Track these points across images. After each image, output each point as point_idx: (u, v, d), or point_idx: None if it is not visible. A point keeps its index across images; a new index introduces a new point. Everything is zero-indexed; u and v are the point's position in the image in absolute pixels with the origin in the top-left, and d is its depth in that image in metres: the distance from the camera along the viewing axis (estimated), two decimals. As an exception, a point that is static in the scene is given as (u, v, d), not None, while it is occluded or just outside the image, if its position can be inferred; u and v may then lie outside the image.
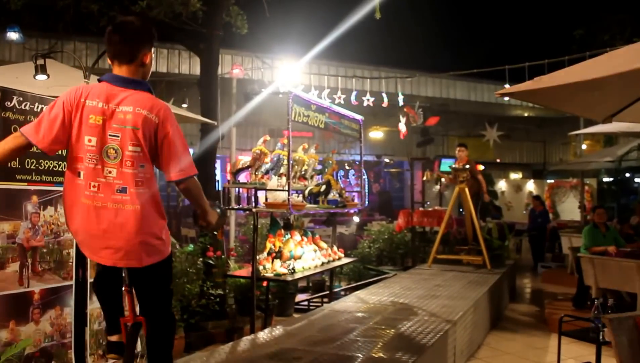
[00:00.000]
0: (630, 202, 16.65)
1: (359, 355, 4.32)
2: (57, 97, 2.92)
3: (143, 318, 3.06)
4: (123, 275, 3.07)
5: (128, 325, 3.11)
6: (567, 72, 4.15)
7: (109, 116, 2.78)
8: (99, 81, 2.91)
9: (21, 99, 4.05)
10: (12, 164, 3.91)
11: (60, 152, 3.13)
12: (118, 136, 2.77)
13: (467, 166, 9.40)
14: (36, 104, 4.09)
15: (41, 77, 4.91)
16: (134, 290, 3.10)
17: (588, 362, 4.68)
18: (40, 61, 4.90)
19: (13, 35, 7.29)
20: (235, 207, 7.01)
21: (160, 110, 2.84)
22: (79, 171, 2.79)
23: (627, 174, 17.98)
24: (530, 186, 22.38)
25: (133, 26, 2.91)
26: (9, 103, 3.98)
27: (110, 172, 2.77)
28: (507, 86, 9.50)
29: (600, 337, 4.26)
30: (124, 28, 2.90)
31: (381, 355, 4.34)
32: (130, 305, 3.08)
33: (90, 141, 2.77)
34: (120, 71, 2.90)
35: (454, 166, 9.64)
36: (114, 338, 3.17)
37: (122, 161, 2.78)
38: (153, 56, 3.04)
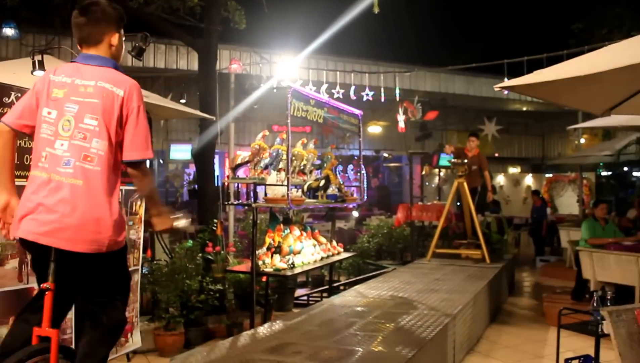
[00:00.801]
0: (628, 196, 16.68)
1: (359, 349, 4.32)
2: None
3: (55, 332, 2.65)
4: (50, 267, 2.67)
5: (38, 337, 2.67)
6: (566, 66, 4.16)
7: (71, 89, 2.73)
8: (72, 62, 2.90)
9: (19, 95, 4.04)
10: (9, 159, 3.90)
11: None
12: (75, 108, 2.70)
13: (465, 161, 9.39)
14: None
15: (39, 73, 4.89)
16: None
17: (587, 354, 4.69)
18: (37, 57, 4.90)
19: (9, 31, 7.27)
20: (235, 202, 7.02)
21: (126, 85, 2.75)
22: (37, 143, 2.73)
23: (625, 168, 17.99)
24: (529, 180, 22.41)
25: (98, 8, 2.85)
26: (6, 99, 3.97)
27: (62, 145, 2.67)
28: (505, 80, 9.48)
29: (599, 330, 4.27)
30: (89, 10, 2.84)
31: (381, 348, 4.34)
32: (49, 310, 2.64)
33: (50, 113, 2.72)
34: (89, 53, 2.88)
35: (453, 160, 9.63)
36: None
37: (73, 133, 2.67)
38: (123, 38, 2.98)
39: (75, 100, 2.70)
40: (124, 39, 2.98)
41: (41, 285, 2.67)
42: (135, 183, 2.81)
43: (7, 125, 2.79)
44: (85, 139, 2.65)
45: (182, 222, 3.05)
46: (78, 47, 2.89)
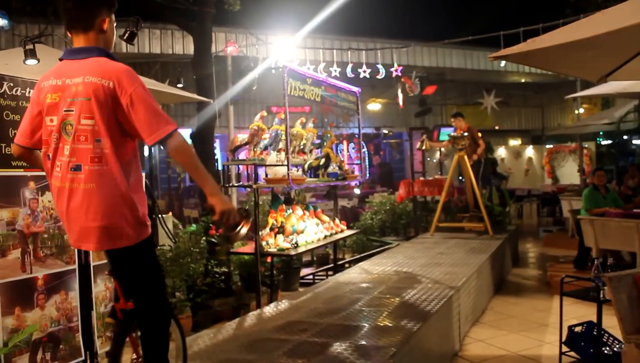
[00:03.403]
0: (629, 164, 16.66)
1: (365, 324, 4.36)
2: None
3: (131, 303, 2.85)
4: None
5: (120, 311, 2.91)
6: (560, 33, 4.13)
7: (64, 92, 2.61)
8: (60, 60, 2.78)
9: (12, 84, 4.02)
10: (7, 150, 3.91)
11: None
12: (73, 111, 2.58)
13: (466, 134, 9.39)
14: (27, 89, 4.07)
15: (31, 62, 4.86)
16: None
17: (590, 320, 4.73)
18: (29, 46, 4.86)
19: (0, 21, 7.21)
20: (236, 184, 7.03)
21: (114, 73, 2.57)
22: (48, 154, 2.69)
23: (625, 137, 17.97)
24: (530, 152, 22.40)
25: None
26: None
27: (67, 150, 2.60)
28: (502, 51, 9.40)
29: (601, 296, 4.30)
30: None
31: (386, 323, 4.38)
32: (119, 289, 2.89)
33: (52, 121, 2.64)
34: (78, 41, 2.71)
35: (452, 134, 9.63)
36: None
37: (76, 137, 2.57)
38: (114, 23, 2.82)
39: (70, 101, 2.59)
40: (115, 24, 2.84)
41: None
42: (174, 159, 2.68)
43: (21, 146, 2.82)
44: (87, 140, 2.56)
45: (243, 230, 2.90)
46: (68, 34, 2.75)
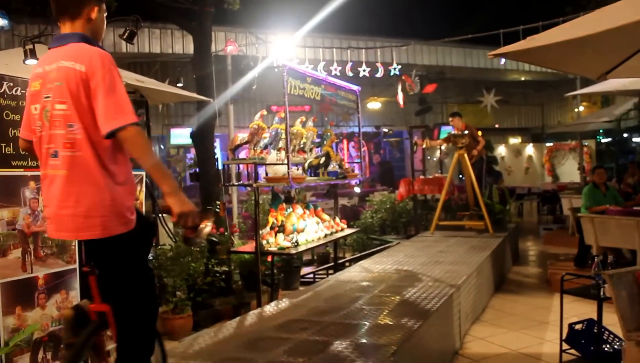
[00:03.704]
0: (629, 162, 16.69)
1: (365, 322, 4.36)
2: None
3: (108, 307, 2.70)
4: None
5: (95, 313, 2.74)
6: (559, 30, 4.13)
7: (44, 78, 2.57)
8: (49, 49, 2.74)
9: (11, 84, 4.03)
10: (7, 150, 3.92)
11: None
12: (50, 96, 2.53)
13: (466, 132, 9.40)
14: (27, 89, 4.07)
15: (31, 62, 4.85)
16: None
17: (590, 318, 4.73)
18: (29, 46, 4.86)
19: (0, 22, 7.20)
20: (235, 183, 7.04)
21: (87, 57, 2.50)
22: (36, 141, 2.65)
23: (625, 134, 17.97)
24: (530, 150, 22.39)
25: None
26: (-1, 89, 3.97)
27: (47, 136, 2.55)
28: (502, 49, 9.39)
29: (601, 293, 4.30)
30: None
31: (387, 321, 4.38)
32: (94, 288, 2.72)
33: (35, 108, 2.61)
34: (64, 29, 2.66)
35: (453, 132, 9.64)
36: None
37: (51, 122, 2.52)
38: (105, 12, 2.77)
39: (48, 88, 2.55)
40: (105, 14, 2.79)
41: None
42: (131, 152, 2.52)
43: (24, 139, 2.79)
44: (61, 125, 2.50)
45: (206, 230, 2.68)
46: (57, 22, 2.71)
